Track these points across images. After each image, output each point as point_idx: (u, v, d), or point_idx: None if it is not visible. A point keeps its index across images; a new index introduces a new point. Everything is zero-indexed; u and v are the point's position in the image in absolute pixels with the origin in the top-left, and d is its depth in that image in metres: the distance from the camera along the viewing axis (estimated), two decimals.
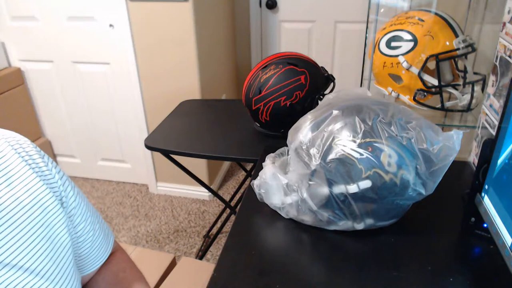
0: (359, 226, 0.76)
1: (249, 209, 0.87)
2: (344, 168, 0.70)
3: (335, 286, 0.69)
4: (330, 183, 0.72)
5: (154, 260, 1.36)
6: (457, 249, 0.77)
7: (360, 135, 0.70)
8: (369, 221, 0.75)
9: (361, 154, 0.69)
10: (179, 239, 2.00)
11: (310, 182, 0.74)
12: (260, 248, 0.77)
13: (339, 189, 0.71)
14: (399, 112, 0.74)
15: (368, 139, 0.69)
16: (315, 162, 0.72)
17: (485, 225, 0.73)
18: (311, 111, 0.81)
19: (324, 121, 0.74)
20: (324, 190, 0.73)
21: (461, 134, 0.71)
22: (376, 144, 0.69)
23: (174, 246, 1.95)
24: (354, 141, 0.70)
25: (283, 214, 0.82)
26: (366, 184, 0.69)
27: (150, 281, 1.27)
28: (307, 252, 0.77)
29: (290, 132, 0.80)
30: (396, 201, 0.72)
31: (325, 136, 0.72)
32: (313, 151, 0.73)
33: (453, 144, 0.71)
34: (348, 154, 0.70)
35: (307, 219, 0.79)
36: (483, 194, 0.72)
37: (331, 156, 0.71)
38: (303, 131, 0.76)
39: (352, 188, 0.70)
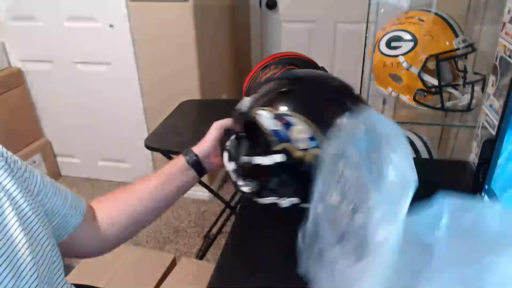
0: (284, 203, 0.72)
1: (249, 209, 0.87)
2: (259, 138, 0.68)
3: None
4: (249, 152, 0.71)
5: (154, 260, 1.36)
6: None
7: (279, 106, 0.67)
8: (294, 200, 0.71)
9: (274, 125, 0.66)
10: (179, 239, 1.99)
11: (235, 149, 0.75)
12: (260, 248, 0.77)
13: (257, 159, 0.69)
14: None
15: (284, 111, 0.66)
16: (236, 129, 0.74)
17: None
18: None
19: (263, 89, 0.74)
20: (246, 159, 0.71)
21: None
22: (289, 118, 0.65)
23: (174, 246, 1.95)
24: (271, 111, 0.67)
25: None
26: (279, 158, 0.66)
27: (150, 282, 1.27)
28: None
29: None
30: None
31: (253, 104, 0.71)
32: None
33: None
34: (262, 124, 0.67)
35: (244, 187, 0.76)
36: (483, 194, 0.72)
37: (250, 124, 0.69)
38: (246, 98, 0.75)
39: (266, 160, 0.68)
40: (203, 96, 2.00)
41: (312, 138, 0.65)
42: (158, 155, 1.45)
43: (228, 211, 1.81)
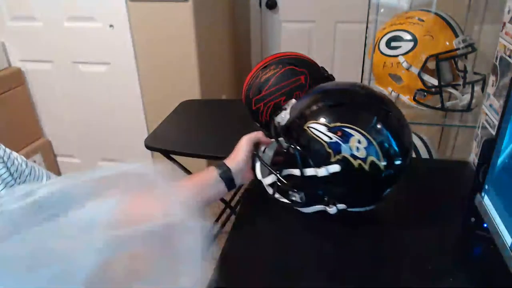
0: (332, 210, 0.76)
1: (249, 209, 0.87)
2: (314, 151, 0.71)
3: (335, 286, 0.69)
4: (301, 165, 0.73)
5: None
6: (457, 249, 0.77)
7: (332, 119, 0.70)
8: (341, 206, 0.76)
9: (330, 138, 0.69)
10: None
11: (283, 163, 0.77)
12: (260, 248, 0.77)
13: (309, 171, 0.72)
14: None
15: (339, 123, 0.69)
16: (286, 143, 0.75)
17: (485, 225, 0.73)
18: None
19: (304, 103, 0.76)
20: (295, 172, 0.75)
21: None
22: (346, 129, 0.69)
23: None
24: (326, 125, 0.70)
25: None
26: (335, 168, 0.70)
27: None
28: (309, 251, 0.77)
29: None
30: (368, 187, 0.73)
31: (299, 118, 0.74)
32: (285, 132, 0.75)
33: None
34: (318, 137, 0.70)
35: (284, 199, 0.80)
36: (483, 194, 0.72)
37: (302, 138, 0.72)
38: (283, 112, 0.78)
39: (321, 171, 0.71)
40: (203, 96, 2.00)
41: (368, 147, 0.68)
42: (158, 155, 1.45)
43: (228, 211, 1.81)
